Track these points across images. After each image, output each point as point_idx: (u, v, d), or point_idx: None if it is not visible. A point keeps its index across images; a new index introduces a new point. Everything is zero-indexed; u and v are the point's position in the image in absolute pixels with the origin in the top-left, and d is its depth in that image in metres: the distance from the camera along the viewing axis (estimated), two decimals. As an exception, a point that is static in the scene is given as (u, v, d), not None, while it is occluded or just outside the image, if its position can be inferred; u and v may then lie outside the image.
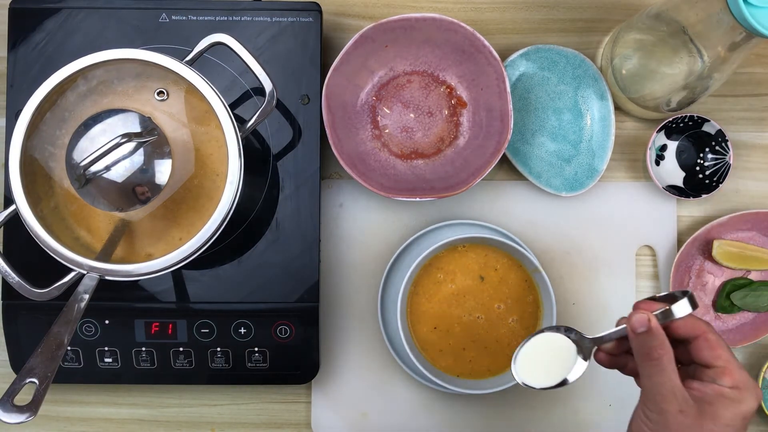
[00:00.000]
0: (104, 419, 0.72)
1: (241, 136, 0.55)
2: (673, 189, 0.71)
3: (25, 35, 0.67)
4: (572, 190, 0.70)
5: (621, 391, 0.71)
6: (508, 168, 0.73)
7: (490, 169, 0.66)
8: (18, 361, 0.67)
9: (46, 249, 0.53)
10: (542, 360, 0.54)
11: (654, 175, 0.70)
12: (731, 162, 0.69)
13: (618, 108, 0.72)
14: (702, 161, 0.72)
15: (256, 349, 0.67)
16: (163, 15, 0.67)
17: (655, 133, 0.70)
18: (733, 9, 0.51)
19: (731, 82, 0.73)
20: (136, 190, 0.52)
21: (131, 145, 0.51)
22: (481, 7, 0.74)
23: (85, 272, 0.53)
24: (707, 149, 0.71)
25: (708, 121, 0.70)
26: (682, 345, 0.51)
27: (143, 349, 0.66)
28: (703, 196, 0.70)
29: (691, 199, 0.70)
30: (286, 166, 0.68)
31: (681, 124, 0.70)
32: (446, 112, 0.71)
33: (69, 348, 0.66)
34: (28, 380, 0.50)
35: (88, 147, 0.51)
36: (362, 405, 0.71)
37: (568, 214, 0.72)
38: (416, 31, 0.68)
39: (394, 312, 0.68)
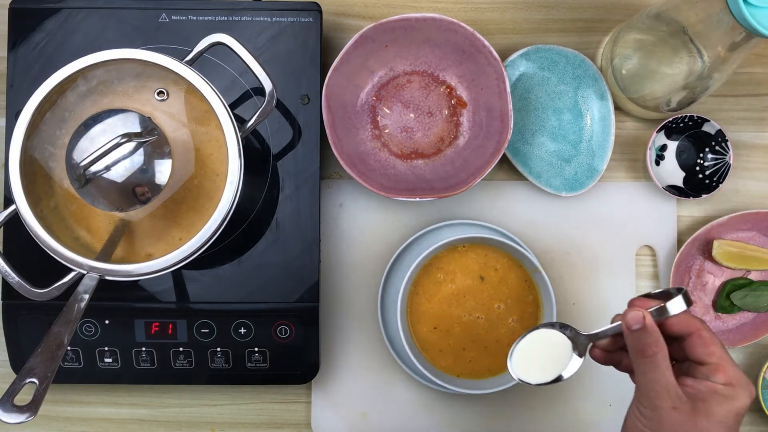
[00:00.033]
0: (104, 419, 0.72)
1: (241, 136, 0.55)
2: (673, 189, 0.71)
3: (25, 35, 0.67)
4: (572, 190, 0.70)
5: (621, 391, 0.70)
6: (508, 168, 0.73)
7: (490, 169, 0.66)
8: (18, 361, 0.67)
9: (46, 249, 0.53)
10: (538, 356, 0.54)
11: (654, 175, 0.70)
12: (731, 162, 0.69)
13: (618, 108, 0.72)
14: (702, 161, 0.72)
15: (256, 349, 0.67)
16: (163, 15, 0.67)
17: (655, 133, 0.70)
18: (733, 9, 0.51)
19: (731, 82, 0.73)
20: (136, 190, 0.52)
21: (131, 145, 0.51)
22: (481, 7, 0.74)
23: (85, 272, 0.53)
24: (707, 149, 0.71)
25: (708, 121, 0.70)
26: (676, 342, 0.51)
27: (143, 349, 0.66)
28: (703, 196, 0.70)
29: (691, 199, 0.70)
30: (286, 166, 0.68)
31: (681, 124, 0.70)
32: (446, 112, 0.71)
33: (69, 348, 0.66)
34: (28, 380, 0.50)
35: (88, 147, 0.51)
36: (362, 405, 0.71)
37: (568, 214, 0.72)
38: (416, 31, 0.68)
39: (394, 312, 0.68)
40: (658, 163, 0.72)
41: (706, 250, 0.72)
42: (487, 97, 0.69)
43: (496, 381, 0.66)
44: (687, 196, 0.70)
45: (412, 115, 0.71)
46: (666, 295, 0.51)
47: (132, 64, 0.55)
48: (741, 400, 0.48)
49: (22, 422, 0.49)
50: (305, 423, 0.72)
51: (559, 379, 0.53)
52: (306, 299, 0.67)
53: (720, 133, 0.70)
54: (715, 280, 0.72)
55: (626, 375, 0.54)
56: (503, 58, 0.70)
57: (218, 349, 0.67)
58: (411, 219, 0.72)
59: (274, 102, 0.58)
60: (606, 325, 0.52)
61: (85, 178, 0.51)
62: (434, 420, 0.71)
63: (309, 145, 0.68)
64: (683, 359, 0.51)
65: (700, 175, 0.71)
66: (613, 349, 0.54)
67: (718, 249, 0.70)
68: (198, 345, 0.67)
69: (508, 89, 0.67)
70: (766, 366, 0.69)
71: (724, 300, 0.71)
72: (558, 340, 0.54)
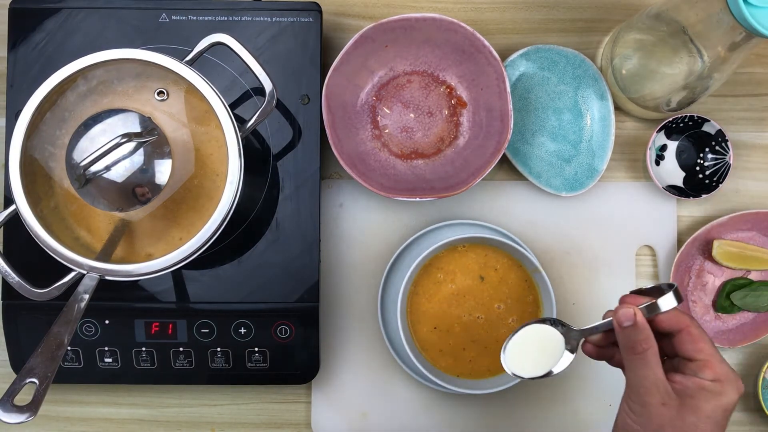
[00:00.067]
0: (104, 419, 0.72)
1: (241, 136, 0.55)
2: (673, 189, 0.71)
3: (25, 35, 0.67)
4: (572, 190, 0.70)
5: (621, 391, 0.70)
6: (508, 168, 0.73)
7: (490, 169, 0.66)
8: (18, 361, 0.67)
9: (46, 249, 0.53)
10: (531, 351, 0.55)
11: (654, 175, 0.70)
12: (731, 162, 0.69)
13: (618, 108, 0.72)
14: (702, 161, 0.72)
15: (256, 349, 0.67)
16: (163, 15, 0.67)
17: (655, 133, 0.70)
18: (733, 9, 0.51)
19: (731, 82, 0.73)
20: (136, 190, 0.52)
21: (131, 145, 0.51)
22: (481, 7, 0.74)
23: (85, 272, 0.53)
24: (707, 149, 0.71)
25: (708, 121, 0.70)
26: (666, 338, 0.52)
27: (143, 349, 0.66)
28: (703, 196, 0.70)
29: (691, 199, 0.70)
30: (286, 166, 0.68)
31: (681, 124, 0.70)
32: (446, 112, 0.71)
33: (69, 348, 0.66)
34: (28, 380, 0.50)
35: (88, 147, 0.51)
36: (362, 405, 0.71)
37: (568, 214, 0.72)
38: (416, 31, 0.68)
39: (394, 312, 0.68)
40: (658, 163, 0.72)
41: (706, 250, 0.72)
42: (487, 97, 0.69)
43: (496, 381, 0.66)
44: (687, 196, 0.70)
45: (412, 115, 0.71)
46: (658, 291, 0.52)
47: (132, 64, 0.55)
48: (729, 396, 0.48)
49: (22, 422, 0.49)
50: (305, 423, 0.72)
51: (549, 373, 0.54)
52: (306, 299, 0.67)
53: (720, 133, 0.70)
54: (715, 280, 0.72)
55: (614, 367, 0.55)
56: (503, 58, 0.70)
57: (218, 349, 0.67)
58: (411, 219, 0.72)
59: (274, 102, 0.58)
60: (598, 321, 0.53)
61: (85, 178, 0.51)
62: (434, 420, 0.71)
63: (309, 145, 0.68)
64: (674, 355, 0.52)
65: (700, 175, 0.71)
66: (604, 344, 0.54)
67: (718, 249, 0.70)
68: (198, 345, 0.67)
69: (508, 89, 0.67)
70: (766, 366, 0.69)
71: (724, 300, 0.71)
72: (551, 335, 0.54)
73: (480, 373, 0.68)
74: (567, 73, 0.71)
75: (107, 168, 0.51)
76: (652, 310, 0.50)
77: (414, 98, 0.71)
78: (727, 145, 0.70)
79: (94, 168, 0.51)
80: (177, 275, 0.66)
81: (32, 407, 0.49)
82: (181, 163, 0.55)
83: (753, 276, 0.72)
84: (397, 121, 0.71)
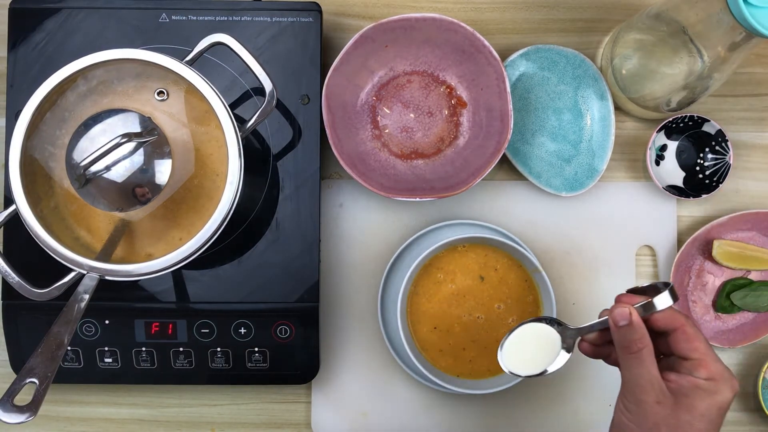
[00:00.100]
0: (104, 419, 0.72)
1: (241, 136, 0.55)
2: (673, 189, 0.71)
3: (25, 35, 0.67)
4: (572, 190, 0.70)
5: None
6: (508, 168, 0.73)
7: (490, 169, 0.66)
8: (18, 361, 0.67)
9: (46, 249, 0.53)
10: (528, 349, 0.55)
11: (654, 175, 0.70)
12: (731, 162, 0.69)
13: (618, 108, 0.72)
14: (702, 161, 0.72)
15: (256, 349, 0.67)
16: (163, 15, 0.67)
17: (655, 133, 0.70)
18: (733, 9, 0.51)
19: (731, 82, 0.73)
20: (136, 190, 0.52)
21: (131, 145, 0.51)
22: (481, 7, 0.74)
23: (85, 272, 0.53)
24: (707, 149, 0.71)
25: (708, 121, 0.70)
26: (662, 337, 0.52)
27: (143, 349, 0.66)
28: (703, 196, 0.70)
29: (691, 199, 0.70)
30: (286, 166, 0.68)
31: (681, 124, 0.70)
32: (446, 112, 0.71)
33: (69, 348, 0.66)
34: (28, 380, 0.50)
35: (88, 147, 0.51)
36: (362, 405, 0.71)
37: (568, 214, 0.72)
38: (416, 31, 0.68)
39: (394, 312, 0.68)
40: (658, 163, 0.72)
41: (706, 250, 0.72)
42: (487, 97, 0.69)
43: (496, 381, 0.66)
44: (687, 196, 0.70)
45: (412, 115, 0.71)
46: (654, 289, 0.52)
47: (132, 64, 0.55)
48: (723, 394, 0.49)
49: (22, 422, 0.49)
50: (305, 423, 0.72)
51: (544, 372, 0.54)
52: (306, 299, 0.67)
53: (720, 133, 0.70)
54: (715, 280, 0.72)
55: (610, 365, 0.55)
56: (503, 58, 0.70)
57: (218, 349, 0.67)
58: (411, 219, 0.72)
59: (274, 102, 0.58)
60: (594, 320, 0.53)
61: (85, 178, 0.51)
62: (434, 420, 0.71)
63: (309, 145, 0.68)
64: (669, 354, 0.52)
65: (700, 175, 0.71)
66: (601, 343, 0.55)
67: (718, 249, 0.70)
68: (198, 345, 0.67)
69: (508, 89, 0.67)
70: (766, 366, 0.69)
71: (724, 300, 0.71)
72: (547, 333, 0.55)
73: (480, 373, 0.68)
74: (567, 73, 0.71)
75: (107, 168, 0.51)
76: (647, 309, 0.51)
77: (414, 98, 0.71)
78: (727, 145, 0.70)
79: (94, 168, 0.51)
80: (177, 275, 0.66)
81: (32, 407, 0.49)
82: (181, 163, 0.55)
83: (753, 276, 0.72)
84: (397, 121, 0.71)
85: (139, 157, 0.52)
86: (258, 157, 0.68)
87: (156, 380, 0.68)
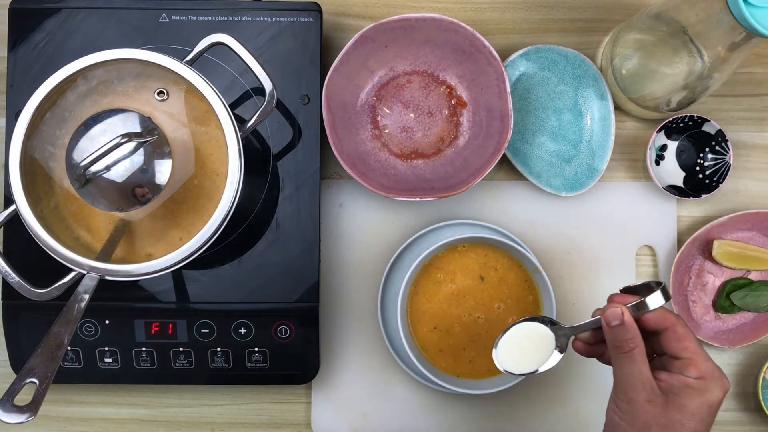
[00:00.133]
0: (104, 419, 0.72)
1: (241, 136, 0.55)
2: (673, 189, 0.71)
3: (25, 35, 0.67)
4: (572, 190, 0.70)
5: (621, 391, 0.71)
6: (508, 168, 0.73)
7: (490, 169, 0.66)
8: (18, 361, 0.67)
9: (46, 249, 0.53)
10: (522, 348, 0.56)
11: (654, 175, 0.70)
12: (731, 162, 0.69)
13: (618, 108, 0.72)
14: (702, 161, 0.72)
15: (256, 349, 0.67)
16: (163, 15, 0.67)
17: (655, 133, 0.70)
18: (733, 9, 0.51)
19: (731, 82, 0.73)
20: (136, 190, 0.52)
21: (131, 145, 0.51)
22: (481, 7, 0.74)
23: (85, 272, 0.53)
24: (707, 149, 0.71)
25: (708, 121, 0.70)
26: (654, 336, 0.52)
27: (143, 349, 0.66)
28: (703, 196, 0.70)
29: (691, 199, 0.70)
30: (286, 166, 0.68)
31: (681, 124, 0.70)
32: (446, 112, 0.71)
33: (69, 348, 0.66)
34: (28, 380, 0.50)
35: (88, 147, 0.51)
36: (362, 405, 0.71)
37: (568, 214, 0.72)
38: (416, 31, 0.68)
39: (394, 312, 0.68)
40: (658, 163, 0.72)
41: (706, 250, 0.72)
42: (487, 97, 0.69)
43: (496, 381, 0.66)
44: (687, 196, 0.70)
45: (412, 115, 0.71)
46: (647, 288, 0.53)
47: (132, 64, 0.55)
48: (713, 393, 0.49)
49: (22, 422, 0.49)
50: (305, 423, 0.72)
51: (536, 371, 0.55)
52: (306, 299, 0.67)
53: (720, 133, 0.70)
54: (715, 280, 0.72)
55: (604, 364, 0.56)
56: (503, 58, 0.70)
57: (218, 349, 0.67)
58: (411, 219, 0.72)
59: (274, 102, 0.58)
60: (587, 319, 0.54)
61: (85, 178, 0.51)
62: (434, 420, 0.71)
63: (309, 145, 0.68)
64: (662, 353, 0.53)
65: (700, 175, 0.71)
66: (594, 341, 0.55)
67: (718, 249, 0.70)
68: (198, 345, 0.67)
69: (508, 89, 0.67)
70: (766, 366, 0.69)
71: (724, 300, 0.71)
72: (542, 332, 0.55)
73: (480, 373, 0.68)
74: (567, 73, 0.71)
75: (107, 168, 0.51)
76: (640, 309, 0.51)
77: (414, 98, 0.71)
78: (727, 145, 0.70)
79: (94, 168, 0.51)
80: (177, 275, 0.66)
81: (32, 407, 0.49)
82: (181, 163, 0.55)
83: (753, 276, 0.72)
84: (397, 121, 0.71)
85: (139, 157, 0.52)
86: (258, 157, 0.68)
87: (156, 380, 0.68)
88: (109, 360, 0.67)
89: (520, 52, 0.70)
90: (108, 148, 0.50)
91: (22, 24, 0.67)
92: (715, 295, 0.72)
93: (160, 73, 0.56)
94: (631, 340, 0.50)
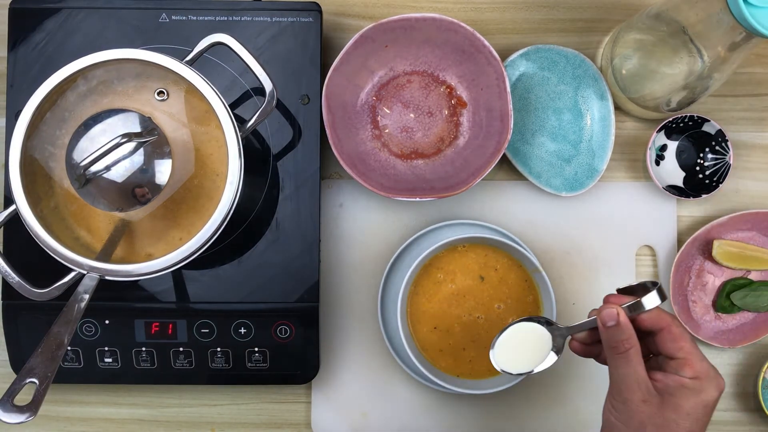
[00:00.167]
0: (104, 419, 0.72)
1: (241, 136, 0.55)
2: (673, 189, 0.71)
3: (25, 35, 0.67)
4: (572, 190, 0.70)
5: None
6: (508, 168, 0.73)
7: (490, 169, 0.66)
8: (18, 361, 0.67)
9: (46, 249, 0.53)
10: (519, 348, 0.56)
11: (654, 175, 0.70)
12: (731, 162, 0.69)
13: (618, 108, 0.72)
14: (702, 161, 0.72)
15: (256, 349, 0.67)
16: (163, 15, 0.67)
17: (655, 133, 0.70)
18: (733, 9, 0.51)
19: (731, 82, 0.73)
20: (136, 190, 0.52)
21: (131, 145, 0.51)
22: (481, 7, 0.74)
23: (85, 272, 0.53)
24: (707, 149, 0.71)
25: (708, 121, 0.70)
26: (650, 336, 0.53)
27: (143, 349, 0.66)
28: (703, 196, 0.70)
29: (691, 199, 0.70)
30: (286, 166, 0.68)
31: (681, 124, 0.70)
32: (446, 112, 0.71)
33: (69, 348, 0.66)
34: (28, 380, 0.50)
35: (88, 147, 0.51)
36: (362, 405, 0.71)
37: (568, 214, 0.72)
38: (416, 31, 0.68)
39: (394, 312, 0.68)
40: (658, 163, 0.72)
41: (706, 250, 0.72)
42: (487, 97, 0.69)
43: (496, 381, 0.66)
44: (687, 196, 0.70)
45: (412, 115, 0.71)
46: (643, 288, 0.53)
47: (132, 64, 0.55)
48: (708, 393, 0.49)
49: (22, 422, 0.49)
50: (305, 423, 0.72)
51: (531, 372, 0.55)
52: (306, 299, 0.67)
53: (720, 133, 0.70)
54: (715, 280, 0.72)
55: (601, 364, 0.56)
56: (503, 58, 0.70)
57: (218, 349, 0.67)
58: (411, 219, 0.72)
59: (274, 102, 0.58)
60: (583, 319, 0.54)
61: (85, 178, 0.51)
62: (434, 420, 0.71)
63: (309, 145, 0.68)
64: (658, 353, 0.53)
65: (700, 175, 0.71)
66: (590, 342, 0.55)
67: (718, 249, 0.70)
68: (198, 345, 0.67)
69: (508, 89, 0.67)
70: (766, 366, 0.69)
71: (724, 300, 0.71)
72: (539, 332, 0.56)
73: (480, 373, 0.68)
74: (567, 73, 0.71)
75: (107, 168, 0.51)
76: (635, 309, 0.51)
77: (414, 98, 0.71)
78: (727, 145, 0.70)
79: (94, 168, 0.51)
80: (177, 275, 0.66)
81: (32, 407, 0.49)
82: (181, 163, 0.55)
83: (753, 276, 0.72)
84: (397, 121, 0.71)
85: (139, 157, 0.52)
86: (258, 157, 0.68)
87: (156, 380, 0.68)
88: (109, 360, 0.67)
89: (520, 52, 0.70)
90: (108, 148, 0.50)
91: (22, 24, 0.67)
92: (715, 295, 0.72)
93: (160, 73, 0.56)
94: (626, 340, 0.51)
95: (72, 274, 0.54)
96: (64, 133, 0.55)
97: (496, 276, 0.68)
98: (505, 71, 0.67)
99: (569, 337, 0.56)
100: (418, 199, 0.66)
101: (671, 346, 0.51)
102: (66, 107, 0.55)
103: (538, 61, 0.71)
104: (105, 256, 0.54)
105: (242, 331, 0.67)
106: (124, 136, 0.50)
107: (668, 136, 0.72)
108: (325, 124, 0.67)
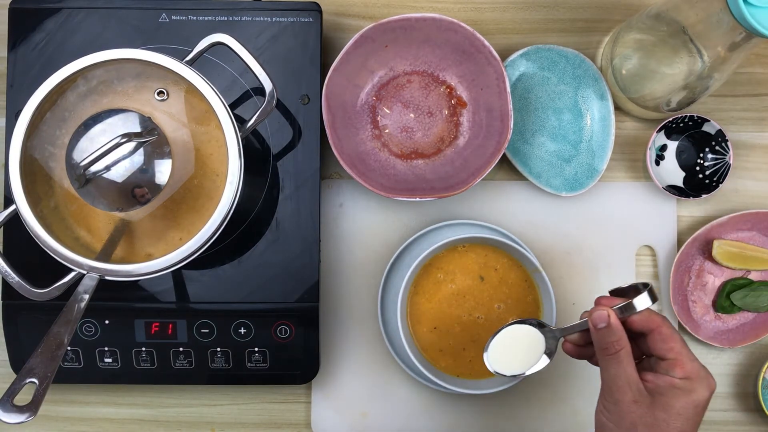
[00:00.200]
0: (104, 419, 0.72)
1: (241, 136, 0.55)
2: (673, 189, 0.71)
3: (25, 35, 0.67)
4: (572, 190, 0.70)
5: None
6: (508, 168, 0.73)
7: (490, 169, 0.66)
8: (18, 361, 0.67)
9: (46, 249, 0.53)
10: (513, 350, 0.56)
11: (654, 175, 0.70)
12: (731, 162, 0.69)
13: (618, 108, 0.72)
14: (702, 161, 0.72)
15: (256, 349, 0.67)
16: (163, 15, 0.67)
17: (655, 133, 0.70)
18: (733, 9, 0.51)
19: (731, 82, 0.73)
20: (136, 190, 0.52)
21: (131, 145, 0.51)
22: (481, 7, 0.74)
23: (85, 272, 0.53)
24: (707, 149, 0.71)
25: (708, 121, 0.70)
26: (642, 338, 0.53)
27: (143, 349, 0.66)
28: (703, 196, 0.70)
29: (691, 199, 0.70)
30: (286, 166, 0.68)
31: (681, 124, 0.70)
32: (446, 112, 0.71)
33: (69, 348, 0.66)
34: (28, 380, 0.50)
35: (88, 147, 0.51)
36: (362, 405, 0.71)
37: (568, 214, 0.72)
38: (416, 31, 0.68)
39: (394, 312, 0.68)
40: (658, 163, 0.72)
41: (706, 250, 0.72)
42: (487, 97, 0.69)
43: (496, 381, 0.66)
44: (687, 196, 0.70)
45: (412, 115, 0.71)
46: (634, 290, 0.54)
47: (132, 64, 0.55)
48: (699, 393, 0.50)
49: (22, 422, 0.49)
50: (305, 423, 0.72)
51: (522, 374, 0.56)
52: (306, 299, 0.67)
53: (720, 133, 0.70)
54: (715, 280, 0.72)
55: (594, 365, 0.56)
56: (503, 58, 0.70)
57: (218, 349, 0.67)
58: (411, 219, 0.72)
59: (274, 102, 0.58)
60: (575, 321, 0.55)
61: (85, 178, 0.51)
62: (434, 420, 0.71)
63: (309, 145, 0.68)
64: (650, 354, 0.53)
65: (700, 175, 0.71)
66: (583, 343, 0.56)
67: (718, 249, 0.70)
68: (198, 345, 0.67)
69: (508, 89, 0.67)
70: (766, 366, 0.69)
71: (724, 300, 0.71)
72: (532, 334, 0.56)
73: (480, 373, 0.68)
74: (567, 73, 0.71)
75: (107, 168, 0.51)
76: (627, 311, 0.52)
77: (414, 98, 0.71)
78: (727, 145, 0.70)
79: (94, 168, 0.51)
80: (177, 275, 0.66)
81: (32, 407, 0.49)
82: (181, 163, 0.55)
83: (753, 276, 0.72)
84: (397, 121, 0.71)
85: (139, 157, 0.52)
86: (258, 157, 0.68)
87: (156, 380, 0.68)
88: (109, 360, 0.67)
89: (520, 52, 0.70)
90: (108, 148, 0.50)
91: (22, 24, 0.67)
92: (715, 295, 0.72)
93: (160, 73, 0.56)
94: (617, 342, 0.51)
95: (72, 274, 0.54)
96: (64, 133, 0.55)
97: (496, 276, 0.68)
98: (505, 71, 0.67)
99: (562, 339, 0.56)
100: (418, 199, 0.66)
101: (662, 347, 0.51)
102: (66, 107, 0.55)
103: (538, 61, 0.71)
104: (105, 256, 0.54)
105: (242, 331, 0.67)
106: (124, 136, 0.50)
107: (668, 136, 0.72)
108: (325, 124, 0.67)
